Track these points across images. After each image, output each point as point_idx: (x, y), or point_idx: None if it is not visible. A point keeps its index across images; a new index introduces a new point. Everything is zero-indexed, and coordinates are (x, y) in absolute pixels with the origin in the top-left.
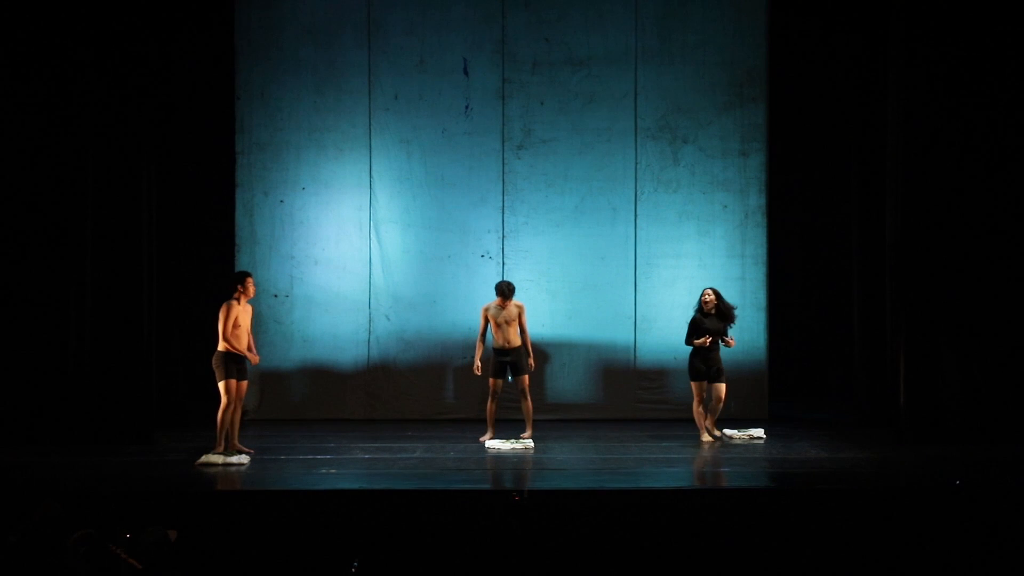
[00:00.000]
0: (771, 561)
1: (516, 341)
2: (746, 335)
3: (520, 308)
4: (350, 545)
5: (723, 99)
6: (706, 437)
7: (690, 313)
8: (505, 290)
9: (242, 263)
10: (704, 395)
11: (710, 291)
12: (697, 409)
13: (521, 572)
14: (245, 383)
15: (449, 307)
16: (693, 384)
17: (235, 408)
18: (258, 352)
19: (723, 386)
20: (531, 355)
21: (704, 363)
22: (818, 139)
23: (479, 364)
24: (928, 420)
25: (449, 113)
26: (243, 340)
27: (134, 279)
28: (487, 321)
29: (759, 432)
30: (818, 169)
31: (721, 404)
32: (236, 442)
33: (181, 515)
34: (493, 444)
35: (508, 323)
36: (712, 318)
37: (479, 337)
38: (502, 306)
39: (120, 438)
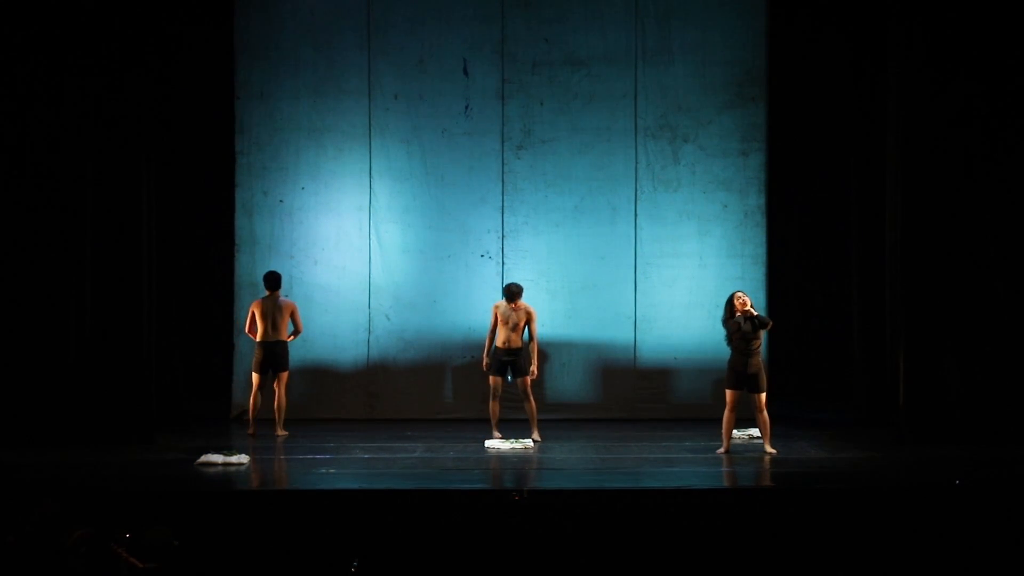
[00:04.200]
0: (771, 561)
1: (517, 343)
2: None
3: (530, 314)
4: (350, 545)
5: (723, 99)
6: (722, 450)
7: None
8: (514, 292)
9: (242, 263)
10: (737, 404)
11: (742, 293)
12: (727, 416)
13: (521, 572)
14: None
15: (449, 307)
16: (727, 392)
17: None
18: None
19: (759, 396)
20: (534, 363)
21: (736, 369)
22: (818, 139)
23: (487, 360)
24: (928, 420)
25: (449, 113)
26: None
27: (134, 279)
28: (496, 318)
29: (759, 432)
30: (818, 169)
31: (762, 415)
32: (277, 428)
33: (181, 515)
34: (493, 444)
35: (514, 325)
36: (749, 320)
37: (488, 332)
38: (510, 308)
39: (120, 438)
